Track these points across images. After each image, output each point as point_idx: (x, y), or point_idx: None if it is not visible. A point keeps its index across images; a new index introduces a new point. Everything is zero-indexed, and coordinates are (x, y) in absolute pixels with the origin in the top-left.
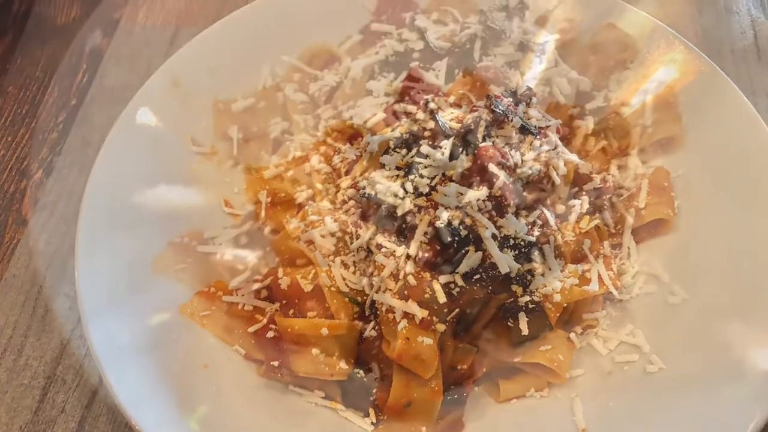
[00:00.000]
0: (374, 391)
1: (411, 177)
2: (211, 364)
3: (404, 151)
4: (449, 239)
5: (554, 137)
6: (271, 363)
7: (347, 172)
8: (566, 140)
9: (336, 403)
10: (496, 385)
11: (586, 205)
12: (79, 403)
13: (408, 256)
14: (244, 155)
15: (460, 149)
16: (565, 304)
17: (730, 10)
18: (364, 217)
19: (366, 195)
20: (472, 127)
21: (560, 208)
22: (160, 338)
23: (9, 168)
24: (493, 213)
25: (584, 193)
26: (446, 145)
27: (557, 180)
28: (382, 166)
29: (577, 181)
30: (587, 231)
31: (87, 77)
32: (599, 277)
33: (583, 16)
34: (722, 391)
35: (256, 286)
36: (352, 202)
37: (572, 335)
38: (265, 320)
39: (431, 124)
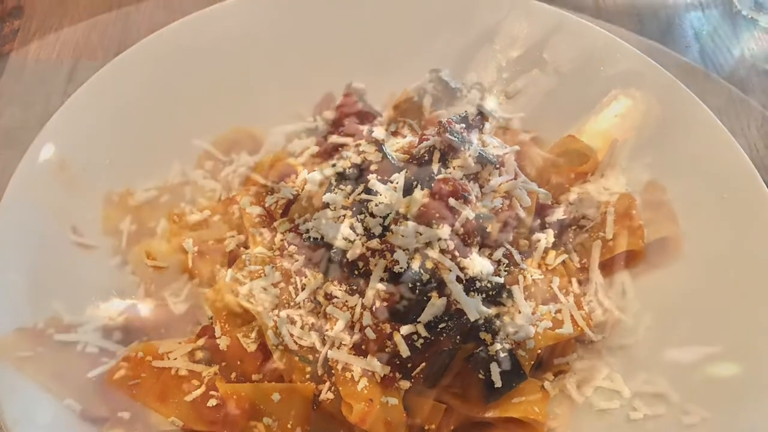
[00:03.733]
0: None
1: (361, 217)
2: None
3: (349, 187)
4: (410, 285)
5: (513, 165)
6: None
7: (283, 214)
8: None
9: None
10: None
11: (552, 239)
12: None
13: (363, 307)
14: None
15: (415, 183)
16: (539, 351)
17: (672, 23)
18: (308, 264)
19: (311, 239)
20: (426, 157)
21: (524, 243)
22: None
23: None
24: (456, 253)
25: (548, 225)
26: (398, 179)
27: (521, 213)
28: (326, 205)
29: (539, 213)
30: (554, 267)
31: None
32: (572, 318)
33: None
34: None
35: (189, 347)
36: (293, 248)
37: (546, 383)
38: (204, 386)
39: (378, 156)
